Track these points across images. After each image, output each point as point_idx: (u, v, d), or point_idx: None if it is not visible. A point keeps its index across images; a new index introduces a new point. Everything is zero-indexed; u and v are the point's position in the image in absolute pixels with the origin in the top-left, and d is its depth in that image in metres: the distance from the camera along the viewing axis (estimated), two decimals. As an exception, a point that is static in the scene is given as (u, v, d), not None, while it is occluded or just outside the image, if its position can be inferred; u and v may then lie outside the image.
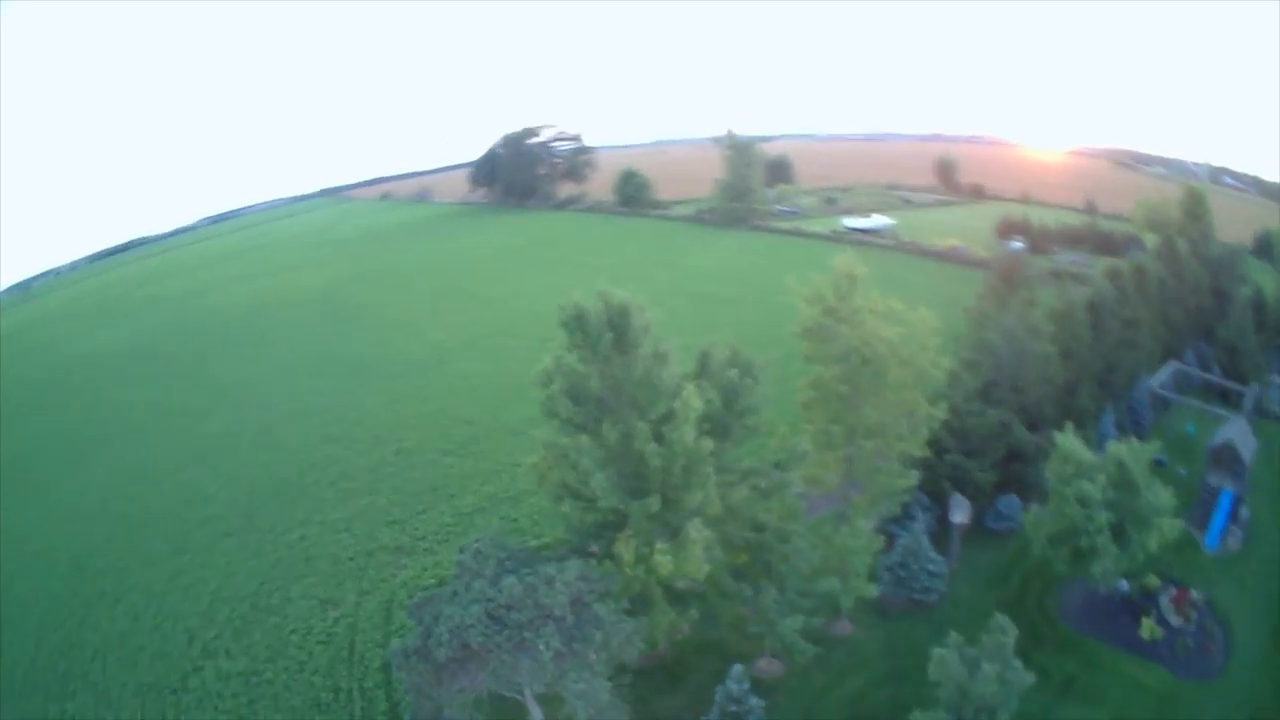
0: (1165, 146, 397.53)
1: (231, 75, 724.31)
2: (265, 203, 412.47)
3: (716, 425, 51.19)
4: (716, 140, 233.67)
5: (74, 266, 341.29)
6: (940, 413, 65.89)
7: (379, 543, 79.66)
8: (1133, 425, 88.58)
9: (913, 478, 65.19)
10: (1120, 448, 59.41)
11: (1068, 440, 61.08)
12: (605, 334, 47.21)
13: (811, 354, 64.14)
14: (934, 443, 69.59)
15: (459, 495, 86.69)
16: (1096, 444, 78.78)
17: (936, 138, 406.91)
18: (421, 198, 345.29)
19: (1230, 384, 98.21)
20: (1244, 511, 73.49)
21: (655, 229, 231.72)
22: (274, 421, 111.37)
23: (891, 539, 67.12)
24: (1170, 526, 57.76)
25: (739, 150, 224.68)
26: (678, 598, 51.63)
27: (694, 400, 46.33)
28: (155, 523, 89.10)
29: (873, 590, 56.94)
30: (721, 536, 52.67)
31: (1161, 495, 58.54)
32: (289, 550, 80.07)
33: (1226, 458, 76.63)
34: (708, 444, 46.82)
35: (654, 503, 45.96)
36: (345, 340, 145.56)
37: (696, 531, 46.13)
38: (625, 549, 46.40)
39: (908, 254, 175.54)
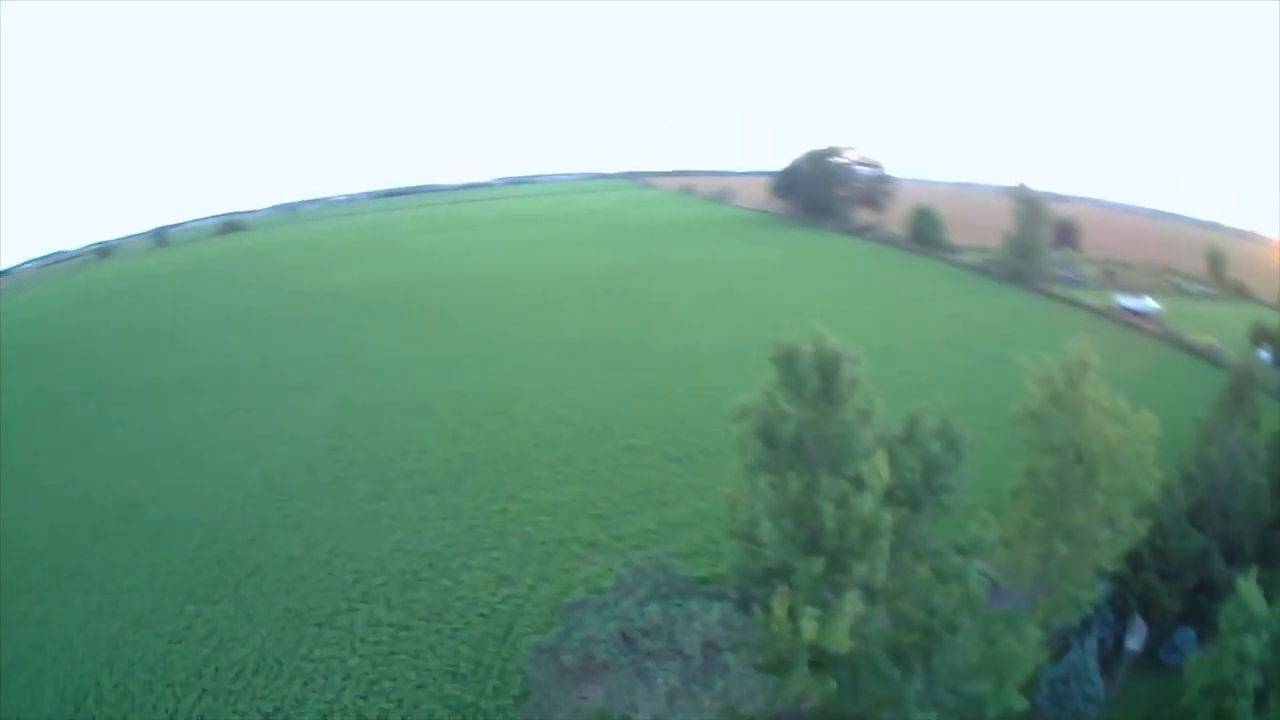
0: None
1: (555, 46, 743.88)
2: (567, 174, 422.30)
3: (910, 497, 49.13)
4: (1008, 191, 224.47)
5: (351, 199, 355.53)
6: (1143, 528, 59.90)
7: (575, 533, 79.97)
8: None
9: (1100, 591, 61.29)
10: None
11: (1248, 587, 54.00)
12: (812, 380, 45.88)
13: (1029, 439, 60.07)
14: (1131, 557, 64.15)
15: (671, 504, 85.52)
16: None
17: (1214, 226, 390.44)
18: (721, 197, 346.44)
19: None
20: None
21: (937, 272, 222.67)
22: (514, 391, 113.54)
23: (1064, 649, 63.00)
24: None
25: (1028, 205, 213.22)
26: (824, 664, 48.60)
27: (882, 468, 44.12)
28: (362, 464, 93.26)
29: (1023, 702, 52.22)
30: (893, 611, 51.06)
31: None
32: (485, 520, 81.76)
33: None
34: (888, 517, 44.47)
35: (818, 564, 44.58)
36: (607, 325, 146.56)
37: (851, 605, 43.85)
38: (779, 603, 44.58)
39: (1168, 344, 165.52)
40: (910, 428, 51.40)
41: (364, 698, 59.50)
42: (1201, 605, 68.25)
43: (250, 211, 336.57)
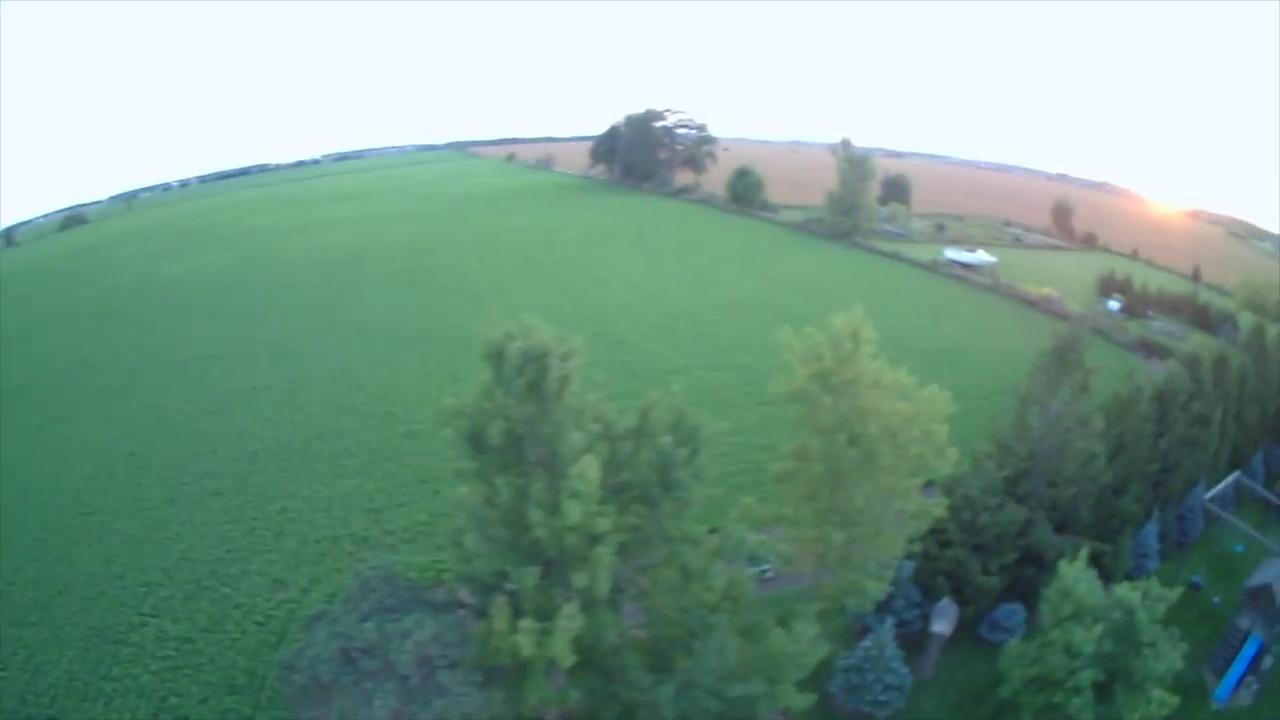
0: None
1: (379, 17, 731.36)
2: (394, 148, 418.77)
3: (645, 495, 46.49)
4: (832, 149, 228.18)
5: (185, 184, 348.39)
6: (939, 510, 56.52)
7: (349, 530, 77.75)
8: (1179, 536, 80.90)
9: (887, 578, 56.87)
10: (1133, 593, 48.96)
11: (1071, 572, 51.15)
12: (518, 377, 42.32)
13: (800, 420, 55.28)
14: (937, 533, 61.70)
15: (445, 493, 79.17)
16: (1133, 555, 73.27)
17: (1063, 178, 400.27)
18: (543, 164, 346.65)
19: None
20: (1268, 662, 64.44)
21: (757, 231, 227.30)
22: (304, 382, 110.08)
23: (864, 632, 61.49)
24: (1163, 703, 47.50)
25: (853, 162, 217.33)
26: (578, 669, 45.11)
27: (591, 471, 40.53)
28: (157, 469, 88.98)
29: (804, 702, 47.90)
30: (648, 610, 49.02)
31: (1167, 657, 48.48)
32: (265, 522, 78.81)
33: (1263, 601, 66.05)
34: (605, 522, 41.36)
35: (533, 575, 41.60)
36: (408, 306, 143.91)
37: (568, 618, 40.51)
38: (499, 615, 41.49)
39: (1000, 296, 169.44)
40: (642, 421, 48.27)
41: (154, 715, 57.23)
42: (1030, 580, 66.45)
43: (91, 204, 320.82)
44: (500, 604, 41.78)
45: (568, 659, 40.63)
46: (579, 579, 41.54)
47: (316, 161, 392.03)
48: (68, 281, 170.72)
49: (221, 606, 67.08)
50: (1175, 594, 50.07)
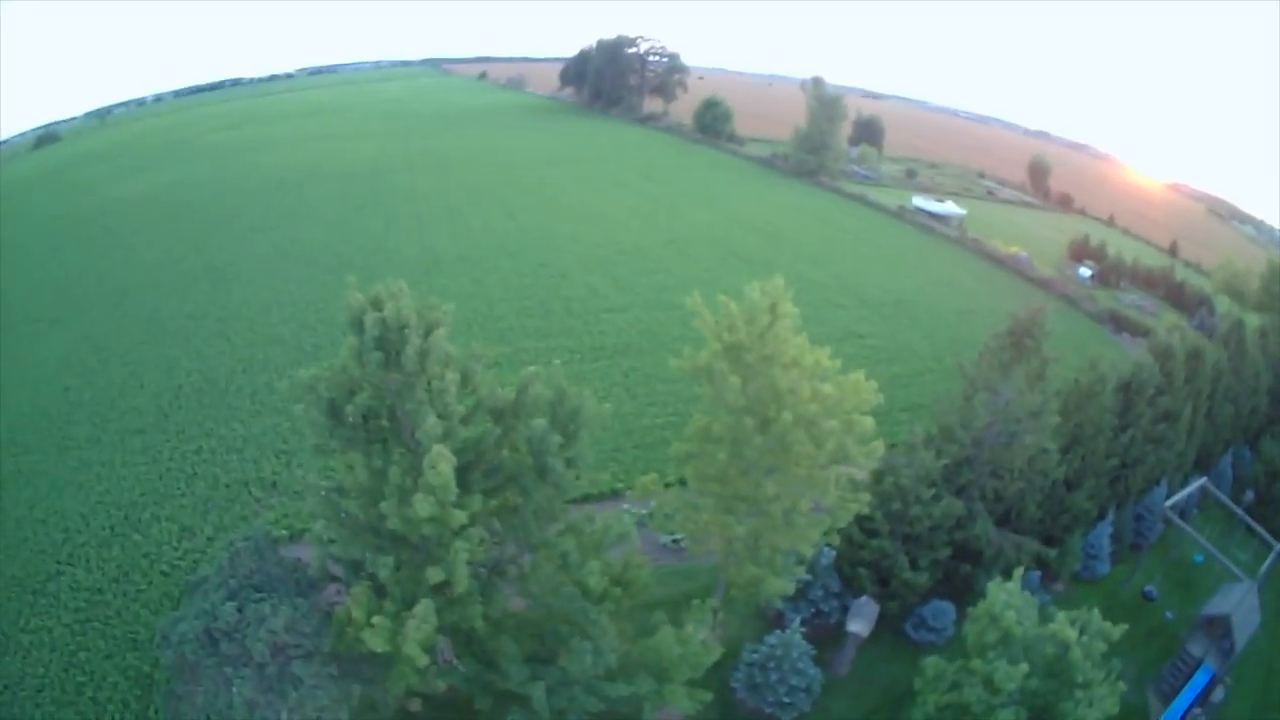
0: (1268, 208, 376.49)
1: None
2: (369, 63, 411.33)
3: (518, 479, 42.84)
4: (803, 85, 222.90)
5: (159, 98, 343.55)
6: (859, 504, 50.00)
7: (259, 473, 75.25)
8: (1134, 538, 75.73)
9: (796, 574, 51.93)
10: (1069, 630, 42.92)
11: (1001, 595, 45.69)
12: (374, 350, 38.00)
13: (706, 399, 49.34)
14: (863, 519, 56.05)
15: None
16: (1082, 555, 69.28)
17: (1043, 135, 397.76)
18: (514, 84, 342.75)
19: (1259, 528, 78.96)
20: (1218, 694, 60.67)
21: (721, 163, 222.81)
22: (239, 310, 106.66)
23: (777, 619, 58.09)
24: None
25: (823, 101, 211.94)
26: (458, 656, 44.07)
27: (443, 464, 36.65)
28: (87, 405, 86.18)
29: (693, 705, 44.17)
30: (529, 598, 44.94)
31: (1103, 702, 42.90)
32: (181, 462, 76.10)
33: (1219, 631, 61.63)
34: (461, 516, 37.87)
35: (385, 565, 39.13)
36: (354, 229, 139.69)
37: (423, 616, 37.44)
38: (355, 605, 38.93)
39: (967, 250, 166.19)
40: (519, 399, 43.98)
41: (65, 670, 55.18)
42: (965, 577, 62.66)
43: (64, 120, 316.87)
44: (357, 592, 39.38)
45: (420, 659, 37.86)
46: (434, 573, 38.28)
47: (290, 76, 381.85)
48: (23, 203, 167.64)
49: (131, 555, 64.74)
50: (1117, 633, 44.07)
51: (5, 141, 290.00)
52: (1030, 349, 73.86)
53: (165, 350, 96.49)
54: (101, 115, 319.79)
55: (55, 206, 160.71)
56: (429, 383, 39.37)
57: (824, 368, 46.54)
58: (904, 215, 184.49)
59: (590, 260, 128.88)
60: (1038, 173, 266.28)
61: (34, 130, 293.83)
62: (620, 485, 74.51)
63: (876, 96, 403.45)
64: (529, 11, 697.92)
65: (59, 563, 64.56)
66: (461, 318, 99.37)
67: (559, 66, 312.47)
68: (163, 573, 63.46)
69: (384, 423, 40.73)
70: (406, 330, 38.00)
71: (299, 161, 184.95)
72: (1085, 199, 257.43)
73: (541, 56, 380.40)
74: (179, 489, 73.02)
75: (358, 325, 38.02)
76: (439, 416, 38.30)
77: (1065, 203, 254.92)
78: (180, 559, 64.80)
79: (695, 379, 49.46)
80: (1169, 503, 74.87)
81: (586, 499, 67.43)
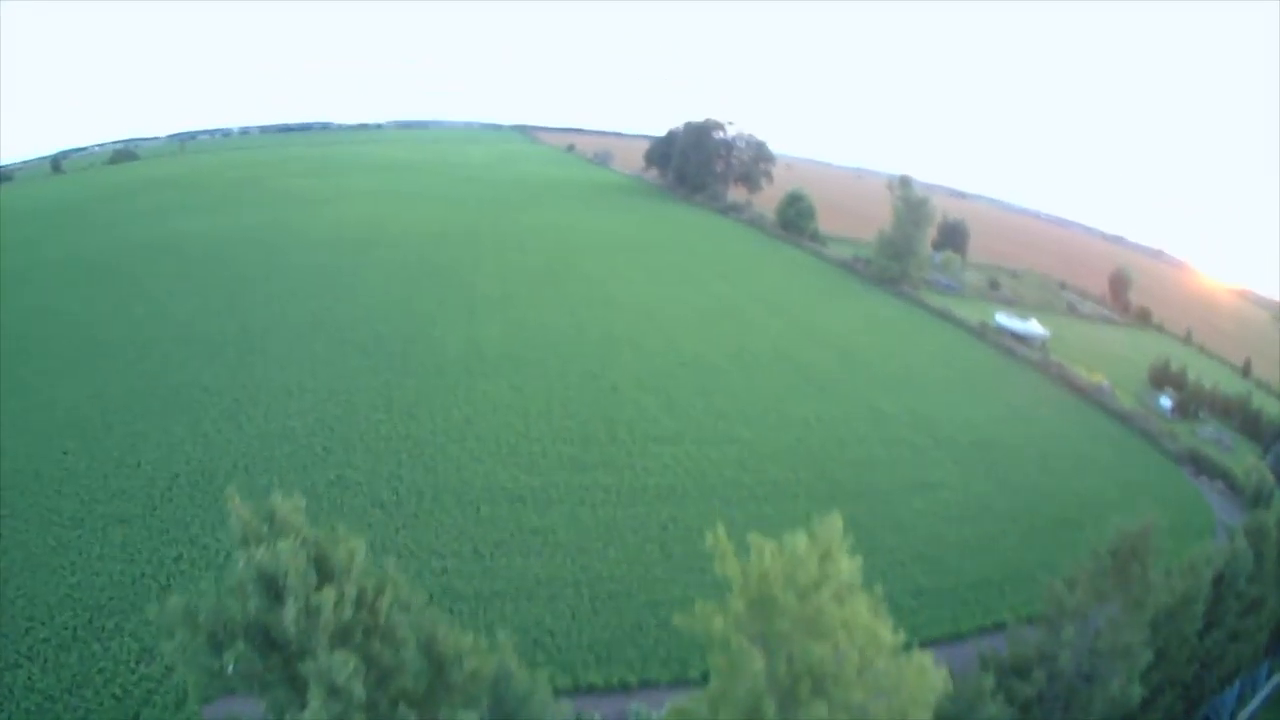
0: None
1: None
2: (460, 122, 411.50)
3: None
4: (890, 184, 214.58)
5: (245, 131, 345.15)
6: None
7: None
8: None
9: None
10: None
11: None
12: (252, 596, 30.81)
13: (719, 670, 35.64)
14: None
15: None
16: None
17: (1119, 240, 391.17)
18: (600, 159, 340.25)
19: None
20: None
21: (800, 264, 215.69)
22: (258, 390, 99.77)
23: None
24: None
25: (910, 204, 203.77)
26: None
27: None
28: (81, 476, 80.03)
29: None
30: None
31: None
32: (157, 569, 69.31)
33: None
34: None
35: None
36: (398, 307, 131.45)
37: None
38: None
39: (1048, 377, 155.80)
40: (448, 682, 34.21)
41: None
42: None
43: (148, 139, 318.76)
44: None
45: None
46: None
47: (380, 126, 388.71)
48: (80, 223, 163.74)
49: (88, 666, 58.53)
50: None
51: (84, 150, 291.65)
52: (1134, 576, 57.43)
53: (173, 425, 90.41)
54: (184, 140, 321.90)
55: (106, 233, 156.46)
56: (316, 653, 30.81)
57: (881, 642, 34.36)
58: (986, 334, 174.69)
59: (646, 373, 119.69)
60: (1119, 286, 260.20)
61: (113, 143, 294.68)
62: (632, 679, 61.69)
63: (961, 195, 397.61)
64: (623, 85, 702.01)
65: (19, 654, 59.05)
66: (491, 433, 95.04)
67: (646, 144, 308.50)
68: (114, 696, 56.91)
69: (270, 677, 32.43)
70: (285, 585, 30.13)
71: (364, 219, 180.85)
72: (1162, 311, 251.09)
73: (631, 132, 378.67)
74: (148, 599, 64.91)
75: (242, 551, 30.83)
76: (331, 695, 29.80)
77: (1144, 317, 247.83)
78: (135, 684, 58.02)
79: (707, 648, 36.56)
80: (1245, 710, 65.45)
81: (591, 689, 58.58)
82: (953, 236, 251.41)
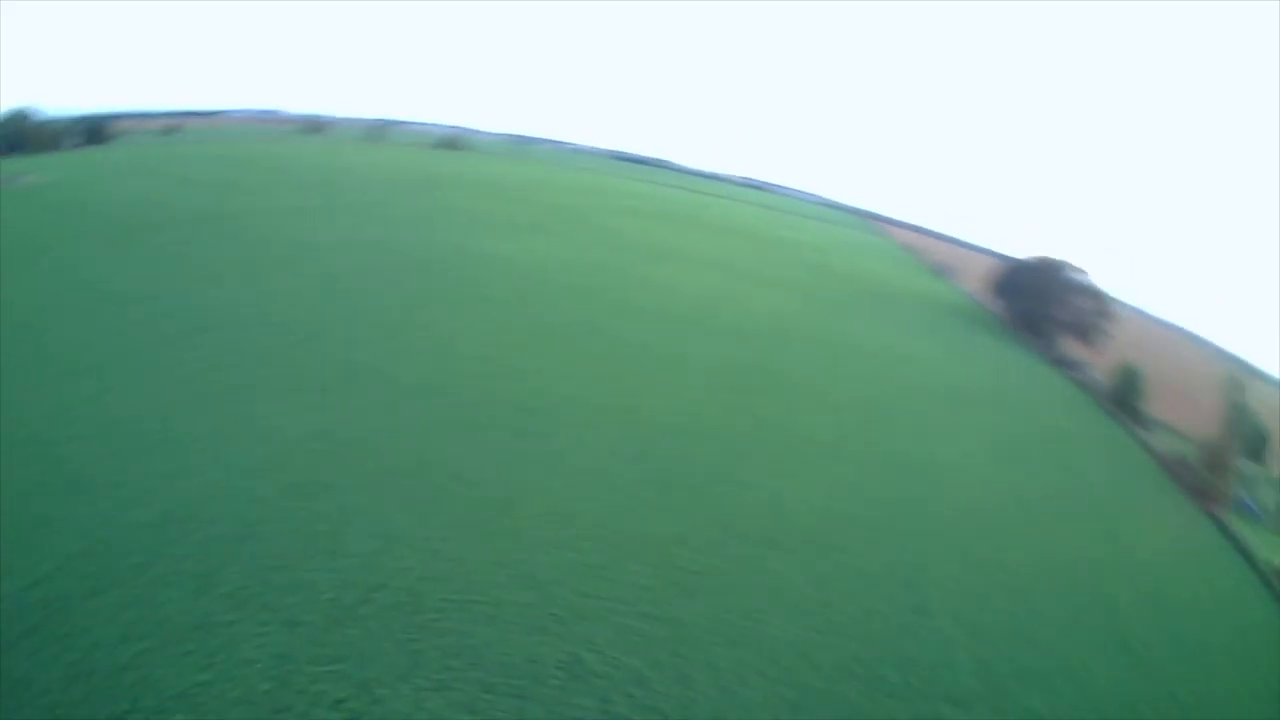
0: None
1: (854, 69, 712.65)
2: (806, 194, 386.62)
3: None
4: (1227, 372, 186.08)
5: (584, 150, 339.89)
6: None
7: None
8: None
9: None
10: None
11: None
12: None
13: None
14: None
15: None
16: None
17: None
18: (941, 270, 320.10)
19: None
20: None
21: (1118, 456, 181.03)
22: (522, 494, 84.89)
23: None
24: None
25: (1237, 397, 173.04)
26: None
27: None
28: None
29: None
30: None
31: None
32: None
33: None
34: None
35: None
36: (632, 487, 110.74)
37: None
38: None
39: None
40: None
41: None
42: None
43: (480, 131, 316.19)
44: None
45: None
46: None
47: (720, 178, 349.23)
48: (377, 207, 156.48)
49: None
50: None
51: (411, 124, 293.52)
52: None
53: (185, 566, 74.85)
54: (524, 143, 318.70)
55: (408, 240, 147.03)
56: None
57: None
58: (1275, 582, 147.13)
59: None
60: None
61: (441, 127, 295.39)
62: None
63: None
64: (980, 193, 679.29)
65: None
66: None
67: (992, 260, 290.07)
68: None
69: None
70: None
71: (700, 295, 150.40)
72: None
73: (980, 245, 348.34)
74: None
75: None
76: None
77: None
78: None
79: None
80: None
81: None
82: (1259, 443, 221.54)
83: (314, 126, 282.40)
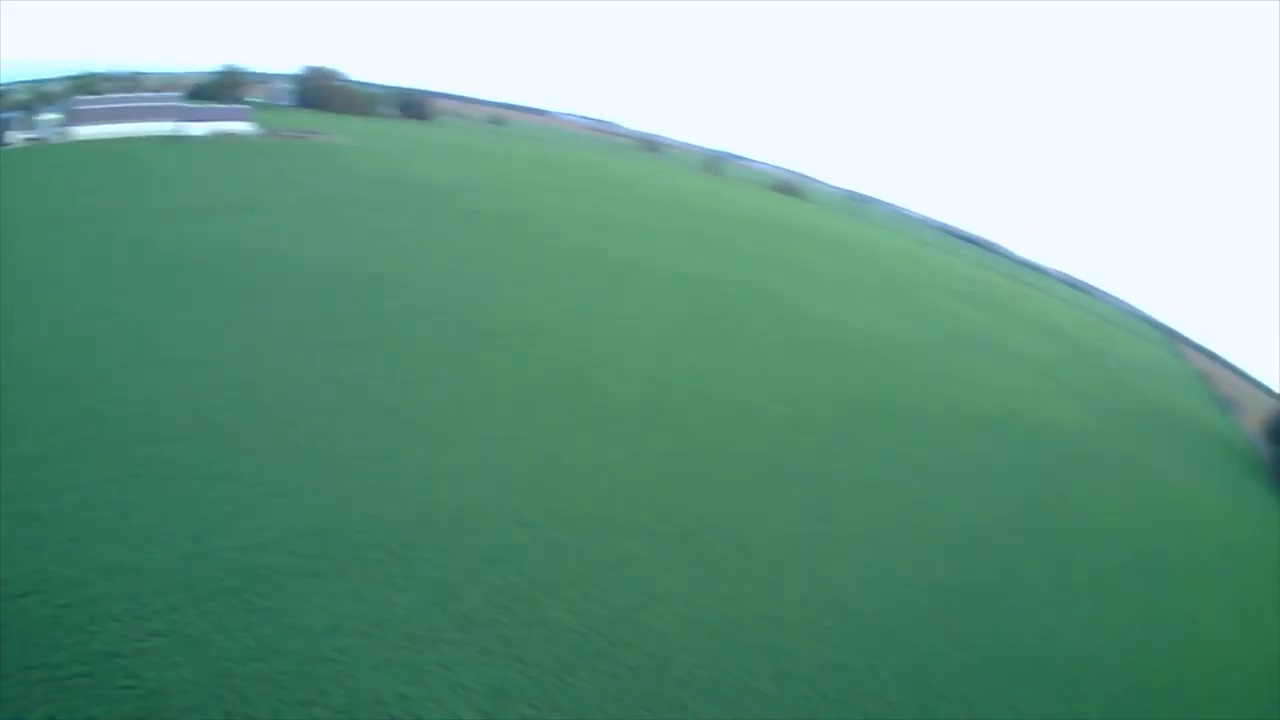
0: None
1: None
2: (1122, 303, 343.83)
3: None
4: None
5: (914, 217, 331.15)
6: None
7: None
8: None
9: None
10: None
11: None
12: None
13: None
14: None
15: None
16: None
17: None
18: (1226, 406, 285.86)
19: None
20: None
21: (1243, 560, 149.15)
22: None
23: None
24: None
25: None
26: None
27: None
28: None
29: None
30: None
31: None
32: None
33: None
34: None
35: None
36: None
37: None
38: None
39: None
40: None
41: None
42: None
43: (817, 180, 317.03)
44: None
45: None
46: None
47: (1044, 270, 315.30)
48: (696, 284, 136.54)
49: None
50: None
51: (747, 161, 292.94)
52: None
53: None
54: (861, 200, 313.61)
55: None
56: None
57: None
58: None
59: None
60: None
61: (775, 168, 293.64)
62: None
63: None
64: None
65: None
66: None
67: (1271, 401, 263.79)
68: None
69: None
70: None
71: (997, 411, 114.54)
72: None
73: (1261, 381, 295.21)
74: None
75: None
76: None
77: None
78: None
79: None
80: None
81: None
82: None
83: (649, 146, 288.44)
